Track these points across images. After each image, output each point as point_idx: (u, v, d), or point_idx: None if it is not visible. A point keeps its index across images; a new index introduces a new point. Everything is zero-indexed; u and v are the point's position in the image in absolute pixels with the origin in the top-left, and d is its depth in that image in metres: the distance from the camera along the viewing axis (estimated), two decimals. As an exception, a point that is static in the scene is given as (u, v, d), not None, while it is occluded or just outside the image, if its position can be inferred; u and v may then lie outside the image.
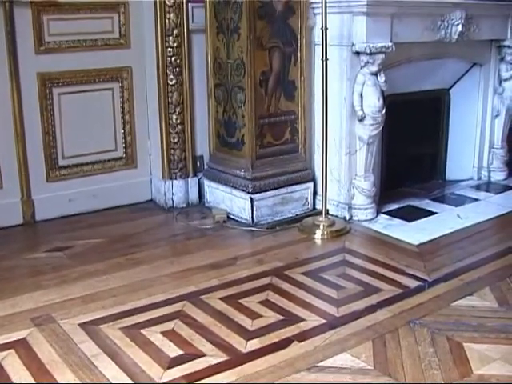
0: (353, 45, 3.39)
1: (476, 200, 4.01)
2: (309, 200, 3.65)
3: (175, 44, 3.58)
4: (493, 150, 4.41)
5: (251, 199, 3.43)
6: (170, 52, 3.58)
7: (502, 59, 4.26)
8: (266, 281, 2.77)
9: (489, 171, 4.42)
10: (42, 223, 3.53)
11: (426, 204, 3.89)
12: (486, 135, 4.39)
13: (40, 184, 3.52)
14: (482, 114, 4.34)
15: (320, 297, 2.62)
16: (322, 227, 3.36)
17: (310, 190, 3.65)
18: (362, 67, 3.42)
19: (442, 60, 3.98)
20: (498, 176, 4.42)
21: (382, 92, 3.46)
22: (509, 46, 4.21)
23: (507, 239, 3.31)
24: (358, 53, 3.39)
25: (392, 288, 2.71)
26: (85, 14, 3.52)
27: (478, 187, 4.31)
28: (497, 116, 4.35)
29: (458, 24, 3.76)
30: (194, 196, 3.82)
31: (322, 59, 3.23)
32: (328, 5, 3.22)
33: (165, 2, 3.51)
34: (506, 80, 4.27)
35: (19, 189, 3.47)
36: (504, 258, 3.07)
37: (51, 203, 3.55)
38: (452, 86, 4.31)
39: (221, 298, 2.60)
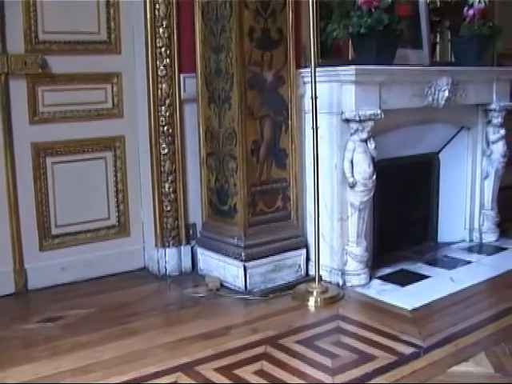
0: (342, 113, 3.45)
1: (468, 262, 4.02)
2: (302, 266, 3.65)
3: (167, 113, 3.64)
4: (483, 211, 4.44)
5: (244, 267, 3.43)
6: (162, 121, 3.63)
7: (489, 122, 4.33)
8: (260, 350, 2.75)
9: (480, 233, 4.44)
10: (34, 292, 3.51)
11: (418, 268, 3.89)
12: (476, 197, 4.43)
13: (33, 253, 3.52)
14: (472, 176, 4.39)
15: (315, 366, 2.60)
16: (315, 294, 3.35)
17: (303, 257, 3.65)
18: (351, 134, 3.46)
19: (431, 125, 4.04)
20: (490, 237, 4.44)
21: (373, 158, 3.50)
22: (495, 110, 4.28)
23: (501, 302, 3.30)
24: (347, 120, 3.44)
25: (387, 355, 2.69)
26: (79, 85, 3.58)
27: (470, 249, 4.32)
28: (486, 178, 4.40)
29: (444, 90, 3.82)
30: (187, 264, 3.81)
31: (313, 128, 3.28)
32: (317, 74, 3.29)
33: (157, 73, 3.58)
34: (493, 142, 4.33)
35: (11, 258, 3.46)
36: (498, 321, 3.06)
37: (44, 272, 3.54)
38: (441, 150, 4.36)
39: (215, 369, 2.57)
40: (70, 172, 3.61)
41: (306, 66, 3.54)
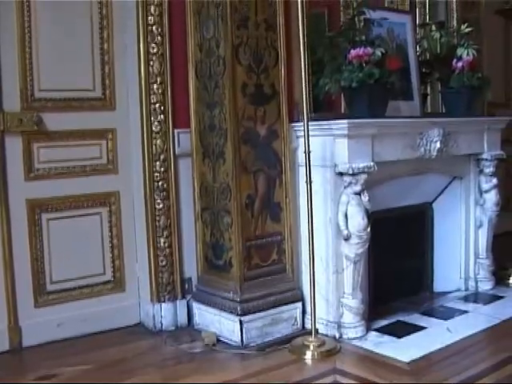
0: (336, 166, 3.48)
1: (465, 312, 4.00)
2: (298, 320, 3.64)
3: (162, 169, 3.66)
4: (478, 260, 4.44)
5: (240, 321, 3.41)
6: (157, 177, 3.66)
7: (481, 171, 4.37)
8: (258, 406, 2.74)
9: (476, 281, 4.44)
10: (29, 349, 3.47)
11: (415, 318, 3.88)
12: (471, 246, 4.44)
13: (28, 310, 3.50)
14: (466, 226, 4.41)
15: (313, 421, 2.59)
16: (312, 348, 3.33)
17: (299, 310, 3.64)
18: (345, 187, 3.49)
19: (424, 175, 4.08)
20: (486, 286, 4.43)
21: (367, 210, 3.52)
22: (486, 159, 4.33)
23: (499, 352, 3.29)
24: (341, 173, 3.47)
25: (385, 410, 2.68)
26: (74, 142, 3.61)
27: (466, 298, 4.30)
28: (480, 227, 4.41)
29: (436, 141, 3.86)
30: (182, 318, 3.79)
31: (306, 182, 3.30)
32: (310, 128, 3.34)
33: (151, 129, 3.62)
34: (486, 191, 4.36)
35: (6, 315, 3.43)
36: (497, 371, 3.04)
37: (39, 329, 3.51)
38: (434, 200, 4.39)
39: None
40: (66, 228, 3.61)
41: (298, 120, 3.58)
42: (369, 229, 3.51)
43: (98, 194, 3.71)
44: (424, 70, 4.36)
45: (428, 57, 4.41)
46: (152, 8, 3.58)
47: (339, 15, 4.62)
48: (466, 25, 4.31)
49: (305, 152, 3.30)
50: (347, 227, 3.49)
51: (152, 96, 3.61)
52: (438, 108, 4.51)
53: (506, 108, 5.51)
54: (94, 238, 3.72)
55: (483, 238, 4.44)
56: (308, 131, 3.28)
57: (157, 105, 3.62)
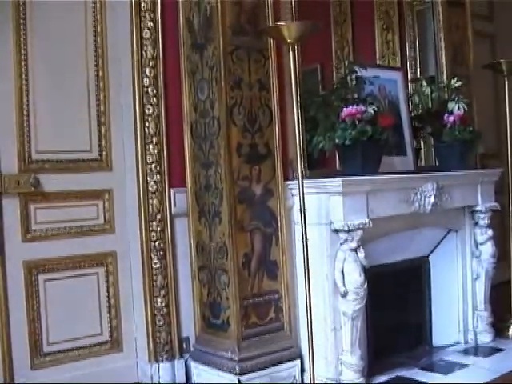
0: (331, 223, 3.50)
1: (465, 366, 3.98)
2: (297, 377, 3.61)
3: (159, 228, 3.68)
4: (477, 312, 4.42)
5: (239, 381, 3.38)
6: (153, 236, 3.67)
7: (476, 224, 4.39)
8: None
9: (475, 334, 4.42)
10: (25, 412, 3.45)
11: (415, 374, 3.85)
12: (469, 298, 4.43)
13: (24, 371, 3.46)
14: (463, 278, 4.41)
15: None
16: (311, 406, 3.31)
17: (298, 368, 3.61)
18: (341, 244, 3.51)
19: (419, 229, 4.10)
20: (485, 338, 4.41)
21: (363, 267, 3.53)
22: (481, 211, 4.36)
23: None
24: (336, 231, 3.50)
25: None
26: (71, 202, 3.63)
27: (465, 351, 4.28)
28: (477, 279, 4.41)
29: (430, 196, 3.90)
30: (180, 378, 3.75)
31: (302, 240, 3.32)
32: (305, 186, 3.36)
33: (148, 189, 3.65)
34: (482, 244, 4.38)
35: (2, 378, 3.40)
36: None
37: (35, 391, 3.48)
38: (431, 253, 4.41)
39: None
40: (63, 289, 3.60)
41: (293, 178, 3.62)
42: (366, 285, 3.52)
43: (95, 254, 3.71)
44: (416, 124, 4.42)
45: (420, 112, 4.48)
46: (147, 70, 3.65)
47: (332, 70, 4.71)
48: (455, 79, 4.39)
49: (300, 210, 3.32)
50: (344, 284, 3.50)
51: (148, 156, 3.65)
52: (432, 161, 4.55)
53: (499, 159, 5.55)
54: (91, 298, 3.71)
55: (481, 290, 4.43)
56: (303, 189, 3.31)
57: (153, 165, 3.66)
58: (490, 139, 5.76)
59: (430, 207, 3.91)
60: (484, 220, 4.37)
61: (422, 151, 4.64)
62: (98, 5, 3.72)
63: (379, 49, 4.96)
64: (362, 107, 3.53)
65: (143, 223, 3.67)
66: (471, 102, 4.65)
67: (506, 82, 4.52)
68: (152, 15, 3.66)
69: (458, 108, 4.18)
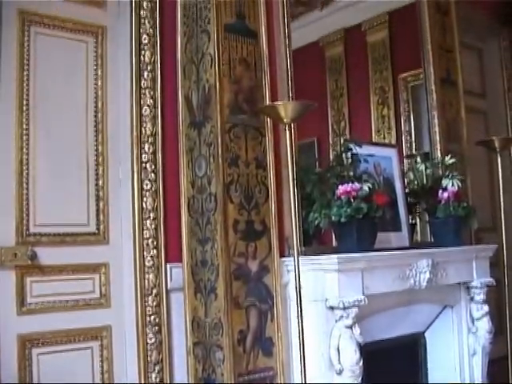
0: (326, 300, 3.51)
1: None
2: None
3: (154, 303, 3.67)
4: (474, 388, 4.41)
5: None
6: (149, 311, 3.66)
7: (472, 299, 4.40)
8: None
9: (473, 411, 4.38)
10: None
11: None
12: (466, 374, 4.40)
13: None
14: (460, 354, 4.39)
15: None
16: None
17: None
18: (336, 321, 3.51)
19: (414, 305, 4.10)
20: (483, 415, 4.38)
21: (359, 344, 3.52)
22: (476, 287, 4.37)
23: None
24: (332, 308, 3.50)
25: None
26: (67, 276, 3.62)
27: (463, 428, 4.25)
28: (474, 355, 4.39)
29: (425, 272, 3.92)
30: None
31: (298, 317, 3.32)
32: (301, 263, 3.37)
33: (144, 263, 3.66)
34: (478, 319, 4.38)
35: None
36: None
37: None
38: (427, 329, 4.40)
39: None
40: (56, 363, 3.56)
41: (289, 255, 3.65)
42: (361, 362, 3.50)
43: (90, 328, 3.68)
44: (411, 200, 4.48)
45: (415, 188, 4.54)
46: (146, 146, 3.71)
47: (329, 144, 4.81)
48: (449, 156, 4.47)
49: (296, 287, 3.33)
50: (340, 361, 3.48)
51: (145, 231, 3.68)
52: (427, 237, 4.59)
53: (494, 232, 5.58)
54: (85, 372, 3.66)
55: (478, 366, 4.41)
56: (298, 267, 3.33)
57: (150, 240, 3.69)
58: (486, 212, 5.81)
59: (425, 283, 3.93)
60: (480, 295, 4.38)
61: (418, 226, 4.68)
62: (99, 81, 3.80)
63: (375, 123, 5.08)
64: (357, 185, 3.59)
65: (139, 298, 3.66)
66: (465, 178, 4.72)
67: (499, 159, 4.59)
68: (152, 93, 3.74)
69: (452, 184, 4.24)
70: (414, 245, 4.32)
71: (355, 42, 5.29)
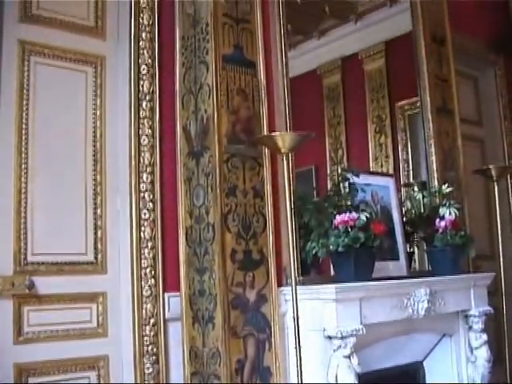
0: (324, 330, 3.51)
1: None
2: None
3: (152, 333, 3.66)
4: (474, 419, 4.38)
5: None
6: (146, 341, 3.65)
7: (470, 328, 4.39)
8: None
9: None
10: None
11: None
12: (465, 405, 4.39)
13: None
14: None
15: None
16: None
17: None
18: (334, 351, 3.49)
19: (412, 334, 4.10)
20: None
21: (357, 373, 3.51)
22: (475, 315, 4.36)
23: None
24: (330, 337, 3.50)
25: None
26: (64, 305, 3.61)
27: None
28: (473, 384, 4.38)
29: (423, 301, 3.92)
30: None
31: (296, 347, 3.31)
32: (298, 292, 3.38)
33: (142, 293, 3.66)
34: (476, 348, 4.36)
35: None
36: None
37: None
38: (425, 358, 4.39)
39: None
40: (52, 393, 3.57)
41: (287, 284, 3.65)
42: (359, 393, 3.50)
43: (87, 358, 3.66)
44: (409, 229, 4.49)
45: (412, 216, 4.55)
46: (144, 175, 3.72)
47: (326, 171, 4.83)
48: (446, 185, 4.49)
49: (293, 317, 3.33)
50: (338, 392, 3.47)
51: (143, 260, 3.68)
52: (425, 266, 4.60)
53: (492, 260, 5.59)
54: (83, 403, 3.67)
55: (477, 395, 4.39)
56: (296, 296, 3.33)
57: (148, 269, 3.68)
58: (483, 240, 5.82)
59: (423, 312, 3.93)
60: (478, 324, 4.37)
61: (416, 254, 4.69)
62: (98, 111, 3.82)
63: (372, 151, 5.11)
64: (354, 214, 3.60)
65: (136, 327, 3.65)
66: (463, 206, 4.73)
67: (496, 188, 4.61)
68: (150, 123, 3.77)
69: (450, 213, 4.25)
70: (411, 273, 4.32)
71: (352, 70, 5.34)
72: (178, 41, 3.87)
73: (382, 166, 5.09)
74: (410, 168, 5.19)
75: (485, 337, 4.38)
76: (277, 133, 3.50)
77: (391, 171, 5.03)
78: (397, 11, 5.26)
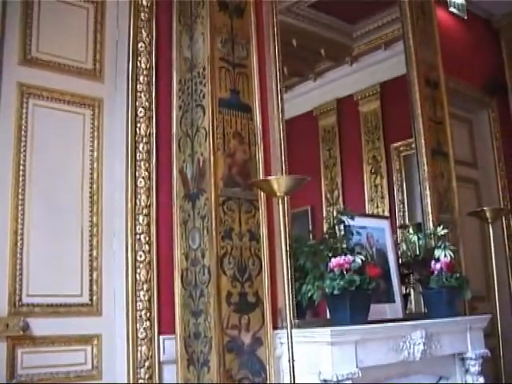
0: (320, 373, 3.49)
1: None
2: None
3: (147, 375, 3.63)
4: None
5: None
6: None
7: (467, 371, 4.37)
8: None
9: None
10: None
11: None
12: None
13: None
14: None
15: None
16: None
17: None
18: (332, 387, 3.49)
19: (408, 377, 4.06)
20: None
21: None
22: (471, 358, 4.34)
23: None
24: (325, 381, 3.48)
25: None
26: (59, 347, 3.58)
27: None
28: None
29: (419, 344, 3.91)
30: None
31: (292, 389, 3.31)
32: (294, 335, 3.35)
33: (137, 335, 3.64)
34: (477, 387, 4.35)
35: None
36: None
37: None
38: (422, 402, 4.36)
39: None
40: None
41: (282, 327, 3.64)
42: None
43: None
44: (404, 271, 4.50)
45: (408, 258, 4.56)
46: (141, 217, 3.74)
47: (322, 211, 4.85)
48: (441, 227, 4.51)
49: (289, 360, 3.32)
50: (335, 427, 3.45)
51: (138, 303, 3.67)
52: (421, 308, 4.59)
53: (488, 301, 5.59)
54: None
55: None
56: (292, 340, 3.31)
57: (143, 311, 3.67)
58: (479, 281, 5.83)
59: (419, 355, 3.92)
60: (475, 367, 4.35)
61: (412, 296, 4.68)
62: (95, 153, 3.84)
63: (368, 192, 5.14)
64: (349, 257, 3.61)
65: (131, 370, 3.62)
66: (458, 248, 4.75)
67: (491, 229, 4.63)
68: (147, 165, 3.80)
69: (445, 255, 4.26)
70: (407, 315, 4.32)
71: (348, 112, 5.40)
72: (175, 84, 3.92)
73: (377, 206, 5.11)
74: (406, 209, 5.21)
75: (482, 379, 4.36)
76: (272, 176, 3.53)
77: (387, 212, 5.05)
78: (391, 54, 5.34)
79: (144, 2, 4.01)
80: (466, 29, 6.56)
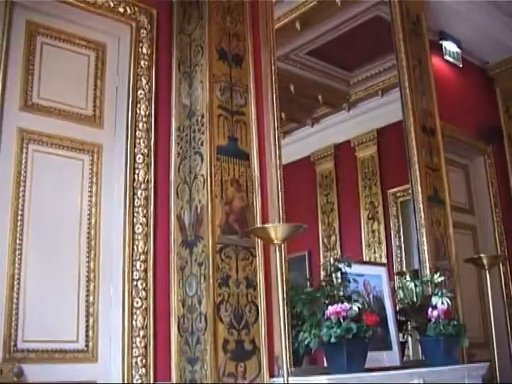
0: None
1: None
2: None
3: (143, 388, 3.63)
4: None
5: None
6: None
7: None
8: None
9: None
10: None
11: None
12: None
13: None
14: None
15: None
16: None
17: None
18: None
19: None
20: None
21: None
22: (470, 406, 4.31)
23: None
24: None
25: None
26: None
27: None
28: None
29: (416, 391, 3.89)
30: None
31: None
32: (290, 382, 3.34)
33: (132, 382, 3.60)
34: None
35: None
36: None
37: None
38: None
39: None
40: None
41: (279, 375, 3.61)
42: None
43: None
44: (401, 318, 4.48)
45: (405, 306, 4.55)
46: (138, 264, 3.75)
47: (319, 257, 4.85)
48: (438, 274, 4.51)
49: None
50: None
51: (134, 349, 3.65)
52: (418, 355, 4.56)
53: (486, 348, 5.55)
54: None
55: None
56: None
57: (139, 358, 3.65)
58: (477, 328, 5.81)
59: (416, 403, 3.89)
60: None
61: (410, 344, 4.66)
62: (93, 198, 3.87)
63: (365, 238, 5.15)
64: (346, 305, 3.61)
65: (127, 385, 3.61)
66: (455, 295, 4.74)
67: (488, 276, 4.63)
68: (145, 211, 3.82)
69: (442, 302, 4.25)
70: (405, 363, 4.28)
71: (345, 157, 5.44)
72: (174, 131, 3.97)
73: (374, 252, 5.12)
74: (403, 254, 5.21)
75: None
76: (270, 224, 3.56)
77: (384, 257, 5.06)
78: (388, 100, 5.40)
79: (144, 50, 4.08)
80: (461, 77, 6.65)
